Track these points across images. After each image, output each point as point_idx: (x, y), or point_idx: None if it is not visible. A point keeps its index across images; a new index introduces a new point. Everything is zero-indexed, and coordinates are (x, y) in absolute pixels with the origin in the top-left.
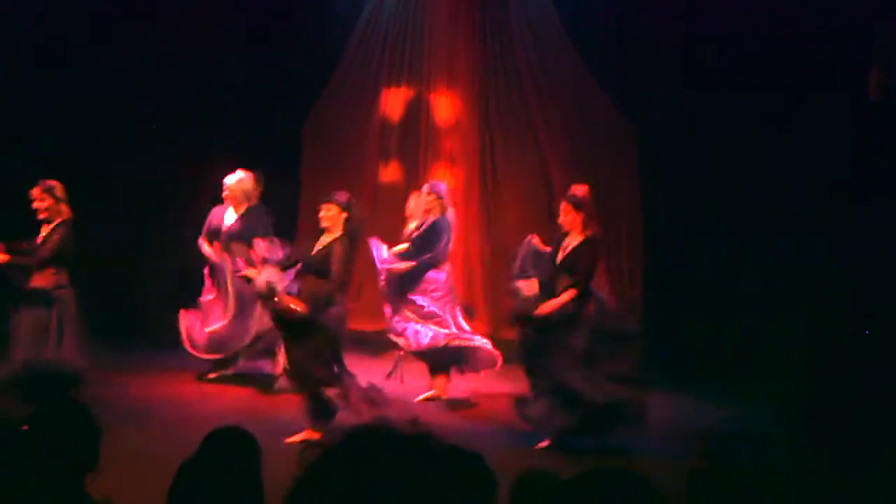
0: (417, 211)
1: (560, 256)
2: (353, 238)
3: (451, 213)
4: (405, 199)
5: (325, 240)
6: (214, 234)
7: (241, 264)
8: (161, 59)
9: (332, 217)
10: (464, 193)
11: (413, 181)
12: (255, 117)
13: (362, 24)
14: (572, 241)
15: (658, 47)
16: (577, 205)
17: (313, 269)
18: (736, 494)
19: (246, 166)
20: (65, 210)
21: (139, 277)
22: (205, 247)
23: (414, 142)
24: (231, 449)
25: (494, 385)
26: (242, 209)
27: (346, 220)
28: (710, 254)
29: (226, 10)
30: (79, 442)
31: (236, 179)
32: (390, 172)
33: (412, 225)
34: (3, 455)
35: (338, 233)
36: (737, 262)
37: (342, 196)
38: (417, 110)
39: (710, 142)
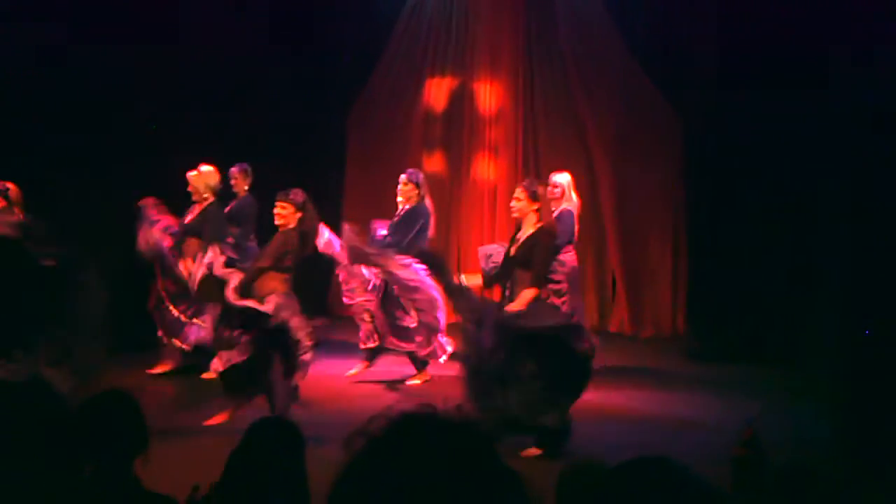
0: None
1: (513, 249)
2: (304, 235)
3: (428, 202)
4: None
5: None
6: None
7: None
8: (206, 50)
9: (286, 215)
10: (507, 183)
11: (457, 171)
12: (301, 107)
13: (406, 14)
14: (525, 233)
15: (704, 36)
16: (533, 195)
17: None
18: (780, 483)
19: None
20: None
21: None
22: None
23: (457, 131)
24: (275, 438)
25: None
26: (204, 205)
27: (300, 219)
28: (754, 246)
29: (270, 4)
30: (127, 427)
31: (196, 173)
32: (434, 162)
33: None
34: (57, 441)
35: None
36: (782, 254)
37: (298, 195)
38: (461, 100)
39: (755, 133)
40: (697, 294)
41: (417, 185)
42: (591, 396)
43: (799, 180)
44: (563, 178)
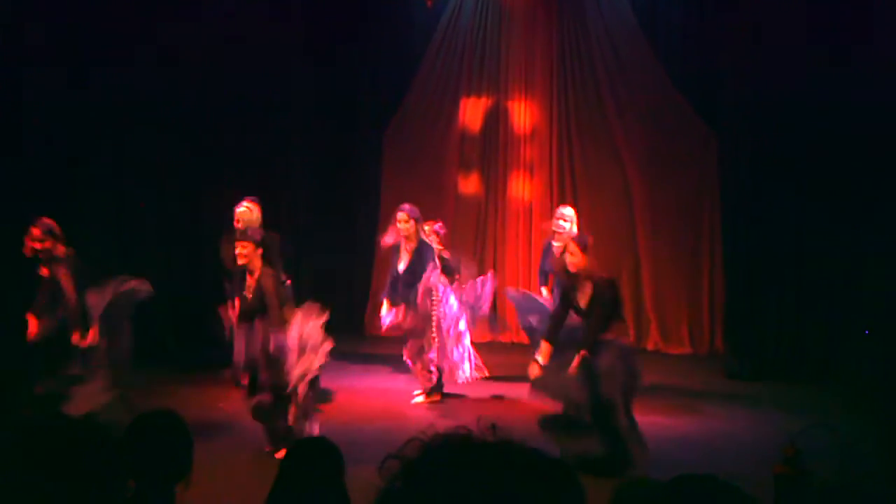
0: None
1: (583, 303)
2: (275, 268)
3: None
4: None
5: (251, 283)
6: None
7: None
8: (245, 68)
9: (247, 254)
10: (541, 201)
11: (493, 190)
12: (338, 126)
13: (440, 33)
14: (585, 288)
15: (738, 52)
16: (584, 247)
17: (259, 310)
18: (822, 500)
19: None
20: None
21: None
22: None
23: (493, 151)
24: (317, 459)
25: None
26: None
27: (262, 255)
28: (791, 262)
29: (309, 21)
30: (173, 450)
31: (245, 209)
32: (470, 181)
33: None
34: (101, 464)
35: (257, 271)
36: (820, 270)
37: (256, 233)
38: (496, 119)
39: (790, 148)
40: (735, 311)
41: (417, 222)
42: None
43: (836, 195)
44: (571, 212)
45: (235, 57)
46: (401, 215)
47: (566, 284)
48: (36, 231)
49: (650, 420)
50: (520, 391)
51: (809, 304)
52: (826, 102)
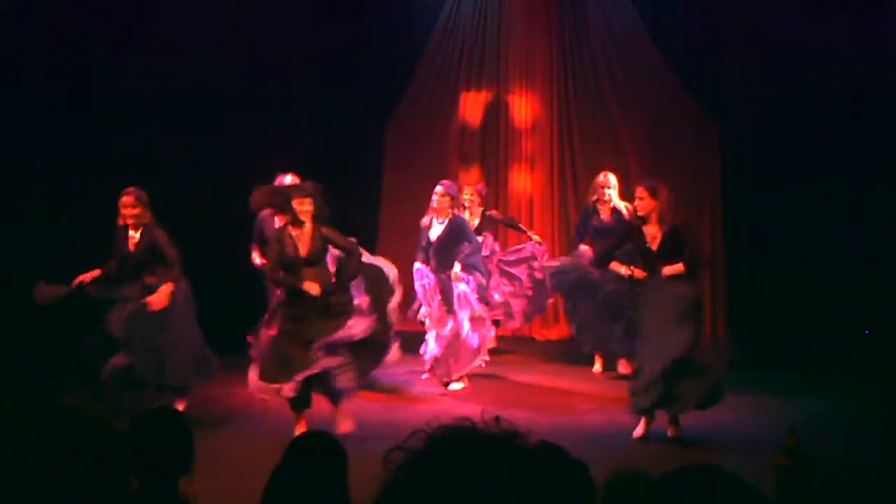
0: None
1: (654, 246)
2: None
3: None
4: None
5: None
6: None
7: None
8: (244, 61)
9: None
10: (542, 194)
11: (494, 183)
12: (339, 120)
13: (440, 27)
14: (655, 230)
15: (739, 42)
16: (654, 192)
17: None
18: (824, 490)
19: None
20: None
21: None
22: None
23: (493, 143)
24: (317, 453)
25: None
26: None
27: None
28: (794, 252)
29: (309, 15)
30: (174, 446)
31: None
32: (471, 174)
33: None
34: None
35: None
36: (822, 260)
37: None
38: (496, 112)
39: (793, 137)
40: (737, 301)
41: (454, 199)
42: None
43: (837, 187)
44: (614, 180)
45: (235, 52)
46: (439, 189)
47: (635, 226)
48: (129, 198)
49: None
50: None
51: (810, 295)
52: (827, 95)
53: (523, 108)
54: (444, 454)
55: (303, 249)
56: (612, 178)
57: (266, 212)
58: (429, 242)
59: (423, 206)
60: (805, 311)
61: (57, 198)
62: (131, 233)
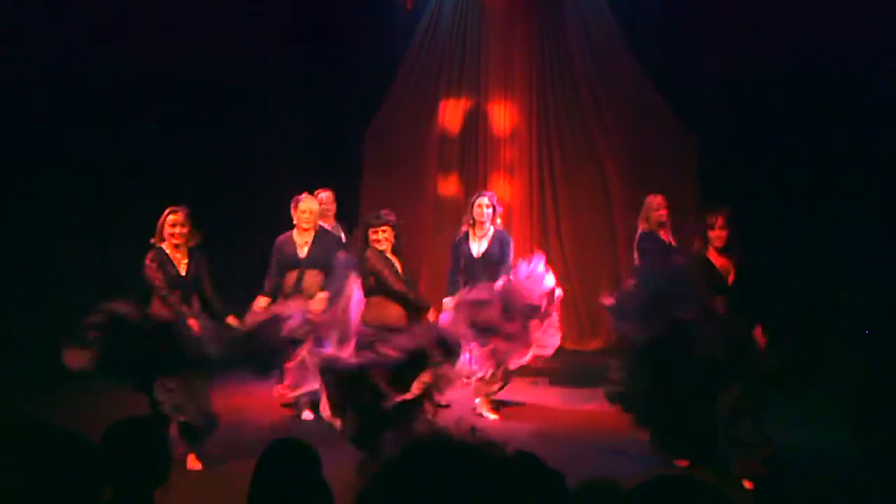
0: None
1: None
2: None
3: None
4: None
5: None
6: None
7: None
8: (224, 70)
9: (388, 238)
10: (522, 203)
11: (473, 191)
12: (317, 128)
13: (420, 35)
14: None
15: (717, 51)
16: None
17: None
18: (800, 501)
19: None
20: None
21: None
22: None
23: (472, 152)
24: (292, 461)
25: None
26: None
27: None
28: (770, 262)
29: (288, 21)
30: (149, 456)
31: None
32: (450, 183)
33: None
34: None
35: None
36: (800, 270)
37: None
38: (475, 120)
39: (771, 148)
40: None
41: (496, 210)
42: (609, 415)
43: (815, 194)
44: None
45: (213, 60)
46: (484, 201)
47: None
48: (179, 216)
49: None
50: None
51: (788, 304)
52: (804, 103)
53: (502, 116)
54: (418, 463)
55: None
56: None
57: (285, 235)
58: (470, 259)
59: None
60: (785, 323)
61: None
62: (174, 254)
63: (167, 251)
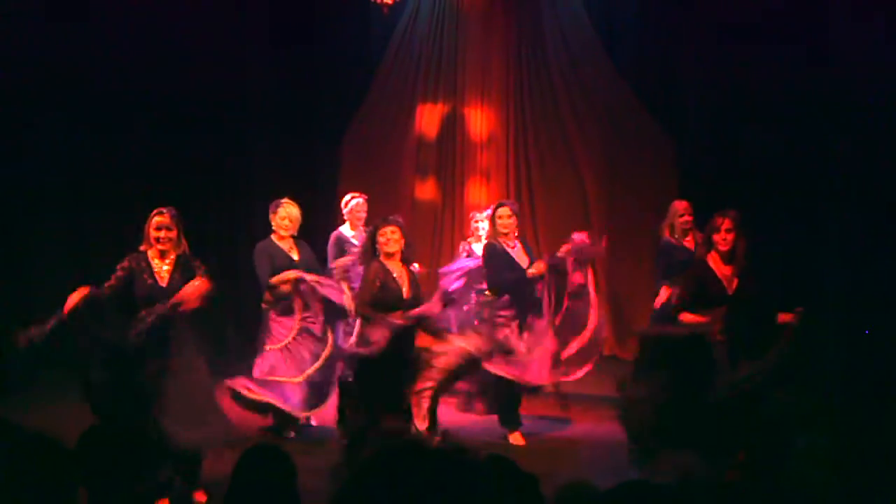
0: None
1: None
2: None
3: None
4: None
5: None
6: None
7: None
8: (199, 74)
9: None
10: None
11: (449, 196)
12: (294, 133)
13: (397, 40)
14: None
15: (694, 56)
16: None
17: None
18: None
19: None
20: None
21: None
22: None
23: (449, 157)
24: (266, 468)
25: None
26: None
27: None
28: (750, 267)
29: (264, 28)
30: (124, 461)
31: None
32: (426, 188)
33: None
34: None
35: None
36: (779, 273)
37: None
38: (452, 125)
39: (749, 154)
40: None
41: (518, 217)
42: (584, 422)
43: (795, 201)
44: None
45: (190, 65)
46: (505, 211)
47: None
48: (164, 218)
49: (603, 427)
50: None
51: (769, 308)
52: (782, 107)
53: (479, 121)
54: (389, 467)
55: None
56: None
57: (264, 243)
58: (520, 269)
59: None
60: (762, 326)
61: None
62: (156, 262)
63: (150, 258)
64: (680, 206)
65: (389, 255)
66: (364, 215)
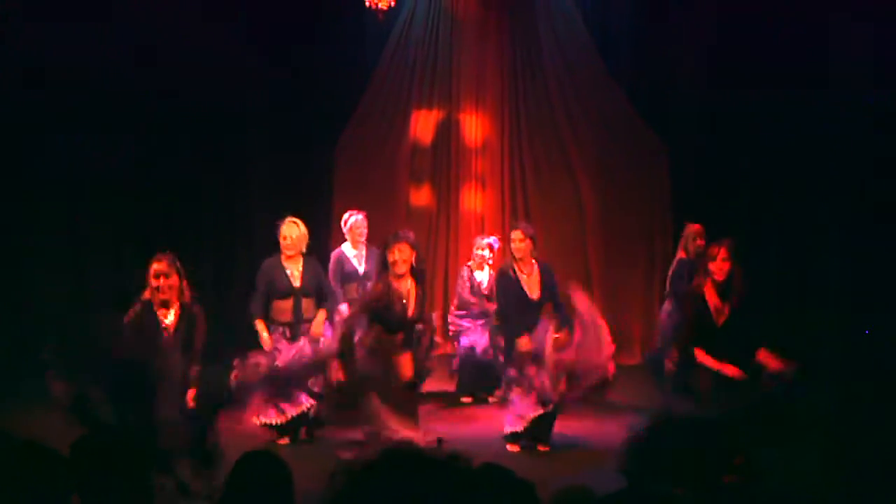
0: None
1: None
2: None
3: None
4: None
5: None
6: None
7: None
8: (195, 81)
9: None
10: (493, 213)
11: (444, 202)
12: (289, 139)
13: (392, 46)
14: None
15: (688, 62)
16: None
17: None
18: None
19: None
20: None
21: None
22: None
23: (444, 163)
24: (262, 473)
25: None
26: (302, 259)
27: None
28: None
29: (259, 34)
30: (117, 468)
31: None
32: (422, 194)
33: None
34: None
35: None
36: (767, 276)
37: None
38: (447, 131)
39: (742, 160)
40: None
41: (534, 241)
42: (577, 426)
43: (786, 206)
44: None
45: (185, 71)
46: (517, 234)
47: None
48: (162, 265)
49: (596, 429)
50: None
51: (758, 314)
52: (777, 115)
53: (474, 127)
54: (386, 476)
55: (410, 310)
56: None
57: (272, 260)
58: (525, 302)
59: (374, 225)
60: (756, 330)
61: None
62: (161, 311)
63: (154, 306)
64: (692, 230)
65: (399, 276)
66: (365, 231)
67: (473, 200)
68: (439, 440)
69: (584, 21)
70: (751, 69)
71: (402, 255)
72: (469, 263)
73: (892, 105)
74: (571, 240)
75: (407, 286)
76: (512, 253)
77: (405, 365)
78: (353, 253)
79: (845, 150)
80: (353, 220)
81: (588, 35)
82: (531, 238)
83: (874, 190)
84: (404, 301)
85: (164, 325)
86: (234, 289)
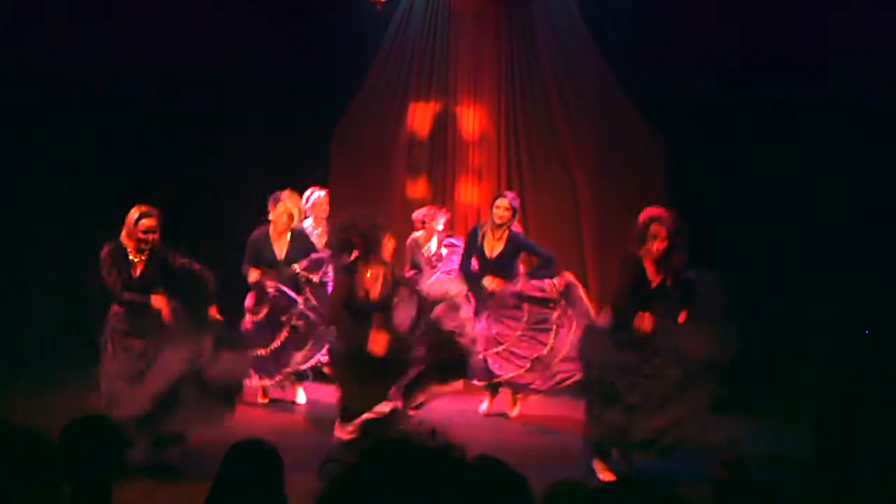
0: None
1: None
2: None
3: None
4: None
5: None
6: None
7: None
8: (191, 73)
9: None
10: (490, 206)
11: (441, 194)
12: (285, 130)
13: (389, 38)
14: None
15: (686, 56)
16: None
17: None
18: None
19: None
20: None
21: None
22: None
23: (441, 155)
24: (253, 462)
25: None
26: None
27: None
28: (736, 263)
29: (255, 24)
30: (106, 454)
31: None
32: (418, 186)
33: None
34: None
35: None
36: (764, 271)
37: None
38: (444, 124)
39: (740, 152)
40: None
41: (515, 214)
42: (576, 416)
43: (783, 200)
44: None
45: (179, 63)
46: (503, 202)
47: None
48: (152, 221)
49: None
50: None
51: (753, 307)
52: (773, 107)
53: (471, 119)
54: (378, 467)
55: (374, 292)
56: None
57: (260, 231)
58: (483, 259)
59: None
60: (748, 324)
61: None
62: (135, 256)
63: (127, 249)
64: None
65: (383, 262)
66: (327, 208)
67: (470, 193)
68: (433, 431)
69: (581, 13)
70: (750, 63)
71: (392, 243)
72: (416, 234)
73: (892, 105)
74: (567, 232)
75: (375, 269)
76: (492, 217)
77: (377, 342)
78: (317, 231)
79: (845, 146)
80: (315, 196)
81: (586, 28)
82: (513, 210)
83: (874, 190)
84: (367, 288)
85: (133, 266)
86: (231, 289)
